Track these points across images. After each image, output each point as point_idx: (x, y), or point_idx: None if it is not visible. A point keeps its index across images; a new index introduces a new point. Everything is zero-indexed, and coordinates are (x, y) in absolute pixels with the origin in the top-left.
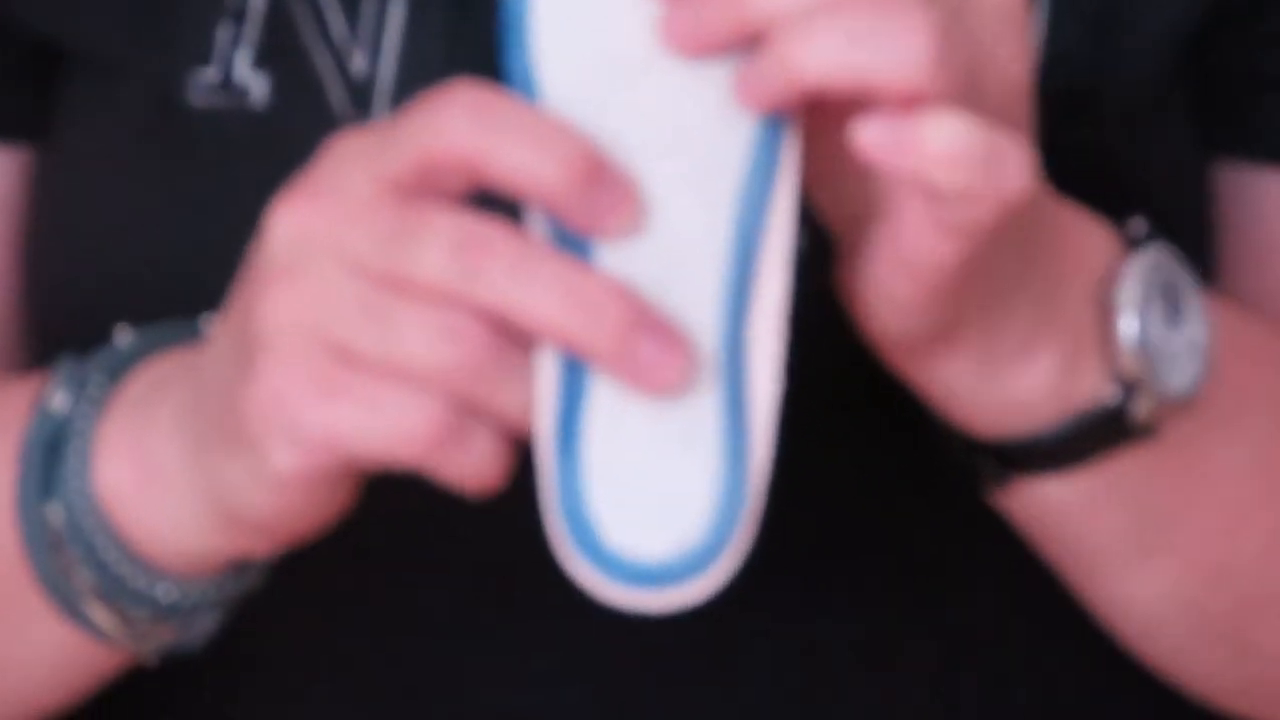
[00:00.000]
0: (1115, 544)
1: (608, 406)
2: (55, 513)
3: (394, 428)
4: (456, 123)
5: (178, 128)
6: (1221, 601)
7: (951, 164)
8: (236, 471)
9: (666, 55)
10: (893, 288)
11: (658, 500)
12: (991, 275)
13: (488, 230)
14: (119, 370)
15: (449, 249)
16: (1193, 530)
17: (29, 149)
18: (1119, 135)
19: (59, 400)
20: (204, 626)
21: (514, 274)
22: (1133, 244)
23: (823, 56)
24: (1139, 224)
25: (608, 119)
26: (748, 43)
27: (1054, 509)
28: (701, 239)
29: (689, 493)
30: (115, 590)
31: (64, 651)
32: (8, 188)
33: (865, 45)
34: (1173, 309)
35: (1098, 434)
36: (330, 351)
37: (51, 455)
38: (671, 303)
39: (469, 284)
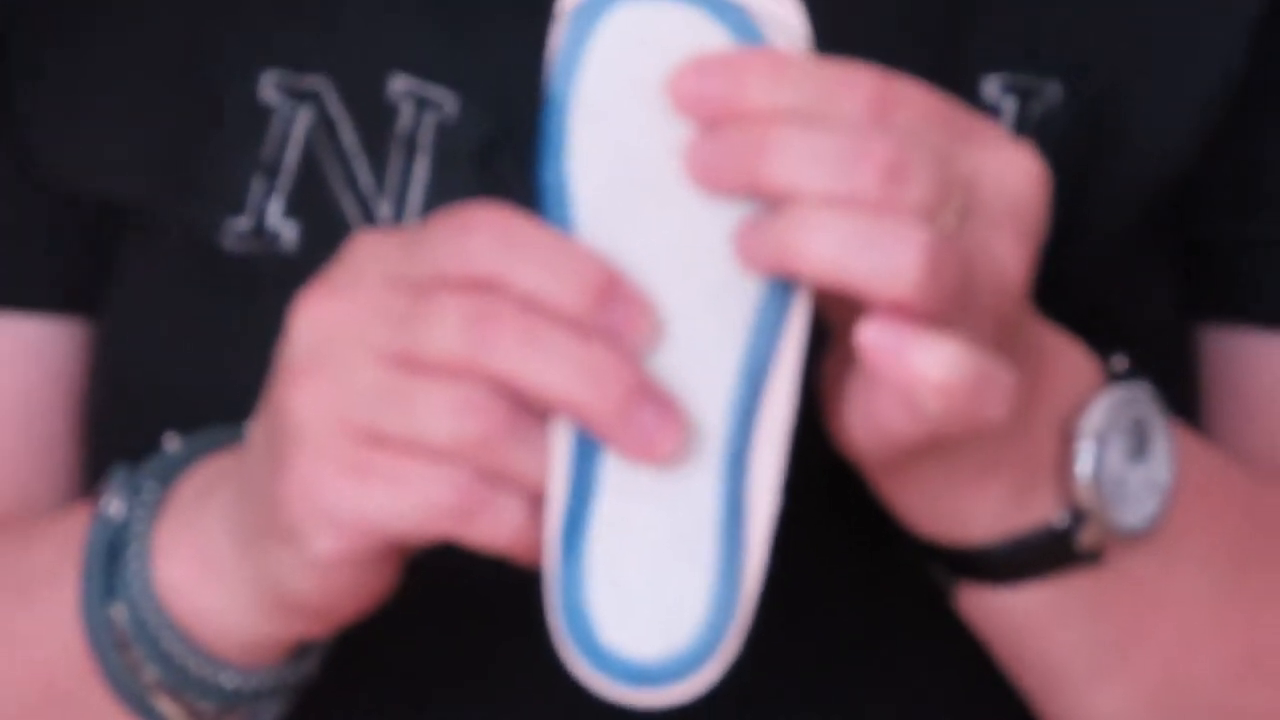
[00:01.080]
0: (1069, 662)
1: (612, 511)
2: (120, 613)
3: (422, 503)
4: (479, 245)
5: (213, 270)
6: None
7: (939, 393)
8: (282, 559)
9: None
10: (863, 426)
11: (653, 605)
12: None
13: (496, 305)
14: (170, 475)
15: (459, 325)
16: (1148, 655)
17: (87, 320)
18: (1097, 278)
19: (115, 507)
20: (270, 714)
21: (522, 344)
22: (1112, 378)
23: (819, 254)
24: (1121, 360)
25: (637, 234)
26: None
27: (1007, 621)
28: (715, 355)
29: (683, 600)
30: (181, 682)
31: None
32: (67, 360)
33: (860, 253)
34: (1138, 446)
35: (1043, 555)
36: (356, 436)
37: (112, 560)
38: (684, 405)
39: (480, 356)
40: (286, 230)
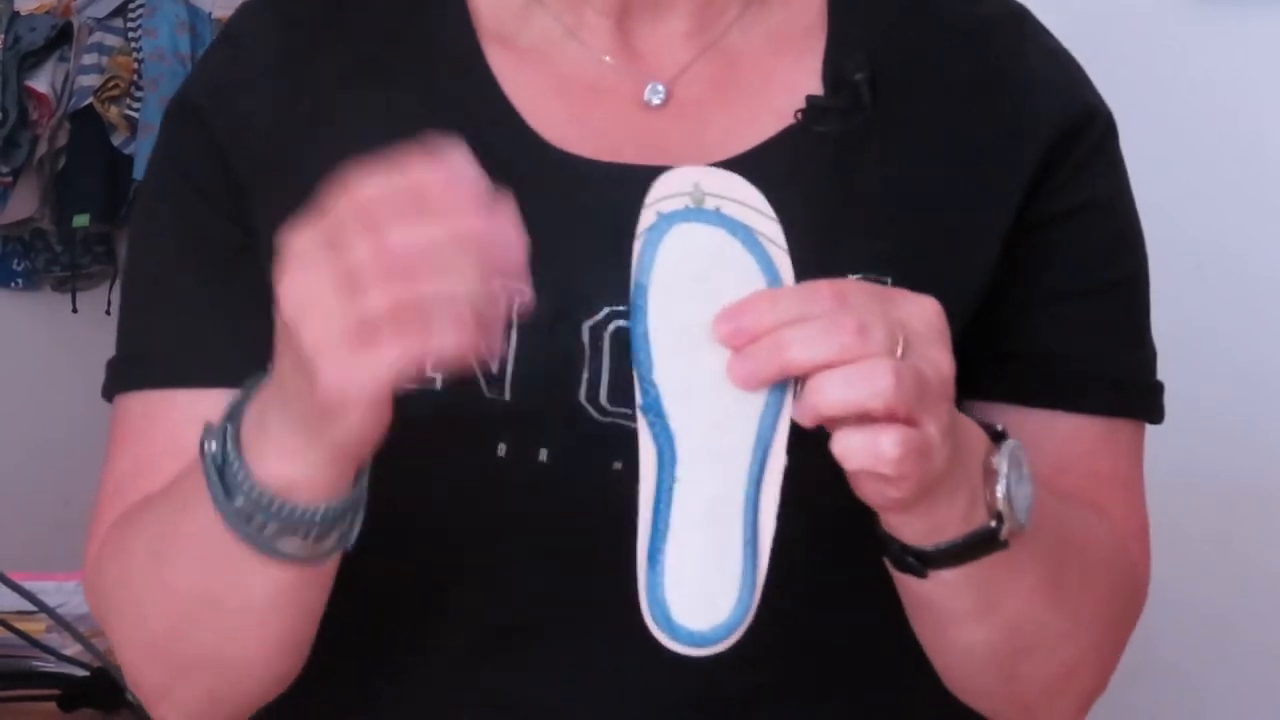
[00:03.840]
0: (963, 608)
1: (677, 541)
2: (239, 501)
3: (406, 348)
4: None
5: None
6: (1008, 648)
7: (893, 464)
8: (326, 425)
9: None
10: (864, 495)
11: (703, 597)
12: (940, 465)
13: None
14: (234, 417)
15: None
16: (1009, 601)
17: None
18: None
19: (212, 446)
20: (354, 528)
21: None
22: (997, 436)
23: (836, 398)
24: (996, 426)
25: (691, 366)
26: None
27: (933, 584)
28: (740, 440)
29: (721, 593)
30: (291, 526)
31: (275, 588)
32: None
33: (859, 387)
34: (1019, 472)
35: (978, 546)
36: (345, 326)
37: (223, 476)
38: (722, 473)
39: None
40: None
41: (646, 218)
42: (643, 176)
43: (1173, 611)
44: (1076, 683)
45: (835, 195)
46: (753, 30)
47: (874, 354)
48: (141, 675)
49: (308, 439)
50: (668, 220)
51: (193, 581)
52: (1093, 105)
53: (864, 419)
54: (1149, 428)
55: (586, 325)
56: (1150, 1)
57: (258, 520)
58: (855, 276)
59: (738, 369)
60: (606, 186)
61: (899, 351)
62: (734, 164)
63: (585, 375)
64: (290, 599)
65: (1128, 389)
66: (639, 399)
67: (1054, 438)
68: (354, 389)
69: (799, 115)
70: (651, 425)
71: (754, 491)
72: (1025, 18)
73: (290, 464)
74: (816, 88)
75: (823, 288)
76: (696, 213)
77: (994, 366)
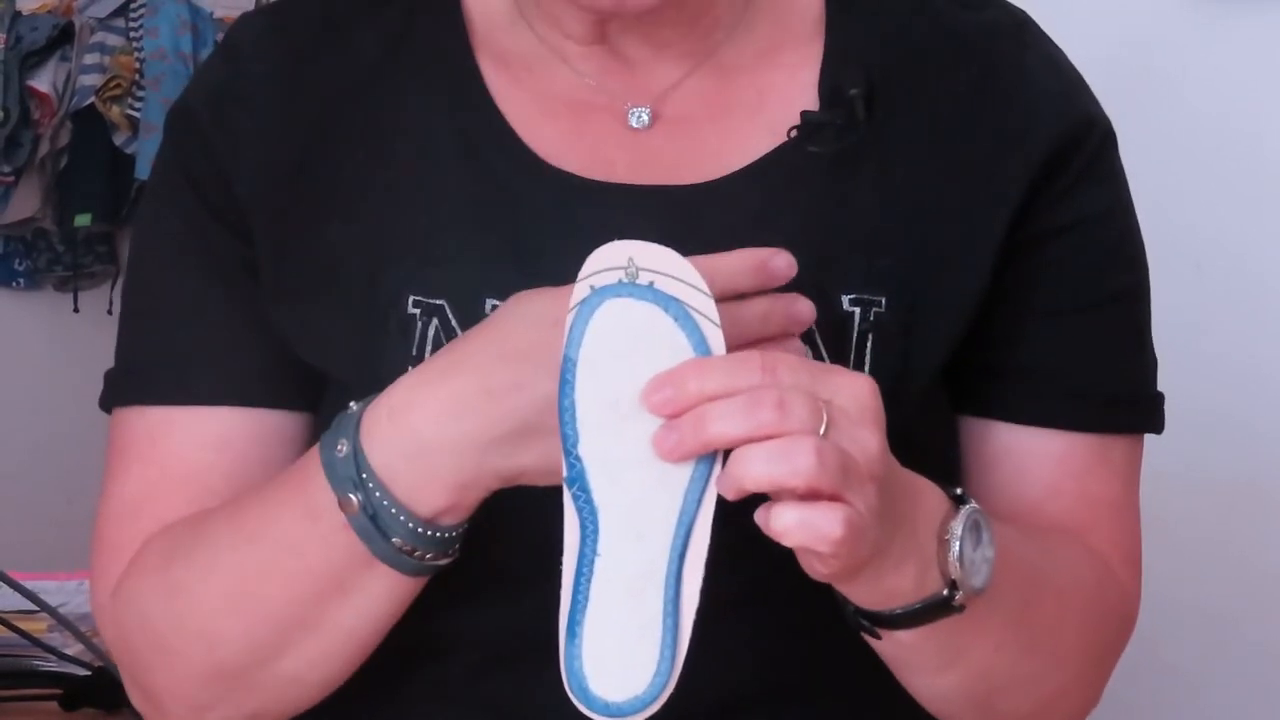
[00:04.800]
0: (926, 661)
1: (597, 614)
2: (396, 540)
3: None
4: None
5: None
6: (980, 690)
7: (829, 545)
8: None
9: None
10: (806, 568)
11: (620, 670)
12: (876, 540)
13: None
14: (363, 463)
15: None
16: (972, 655)
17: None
18: (919, 417)
19: (342, 446)
20: (453, 554)
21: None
22: (956, 499)
23: (756, 472)
24: (955, 489)
25: (616, 441)
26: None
27: (898, 645)
28: (663, 514)
29: (640, 666)
30: (444, 545)
31: (386, 597)
32: (277, 448)
33: (778, 464)
34: (977, 538)
35: (932, 611)
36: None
37: (375, 523)
38: (643, 549)
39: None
40: None
41: (579, 291)
42: (635, 195)
43: (1173, 611)
44: (1060, 708)
45: (829, 213)
46: (745, 44)
47: (793, 431)
48: (180, 698)
49: (478, 469)
50: (600, 295)
51: (291, 614)
52: (1091, 115)
53: (801, 495)
54: (1170, 431)
55: None
56: (1149, 2)
57: (419, 552)
58: (848, 296)
59: (662, 441)
60: (599, 205)
61: (822, 429)
62: (726, 183)
63: None
64: (399, 609)
65: (1123, 404)
66: (565, 472)
67: (1047, 456)
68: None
69: (792, 133)
70: (576, 499)
71: (677, 566)
72: (1026, 25)
73: (456, 495)
74: (812, 101)
75: (753, 359)
76: (629, 288)
77: (989, 383)
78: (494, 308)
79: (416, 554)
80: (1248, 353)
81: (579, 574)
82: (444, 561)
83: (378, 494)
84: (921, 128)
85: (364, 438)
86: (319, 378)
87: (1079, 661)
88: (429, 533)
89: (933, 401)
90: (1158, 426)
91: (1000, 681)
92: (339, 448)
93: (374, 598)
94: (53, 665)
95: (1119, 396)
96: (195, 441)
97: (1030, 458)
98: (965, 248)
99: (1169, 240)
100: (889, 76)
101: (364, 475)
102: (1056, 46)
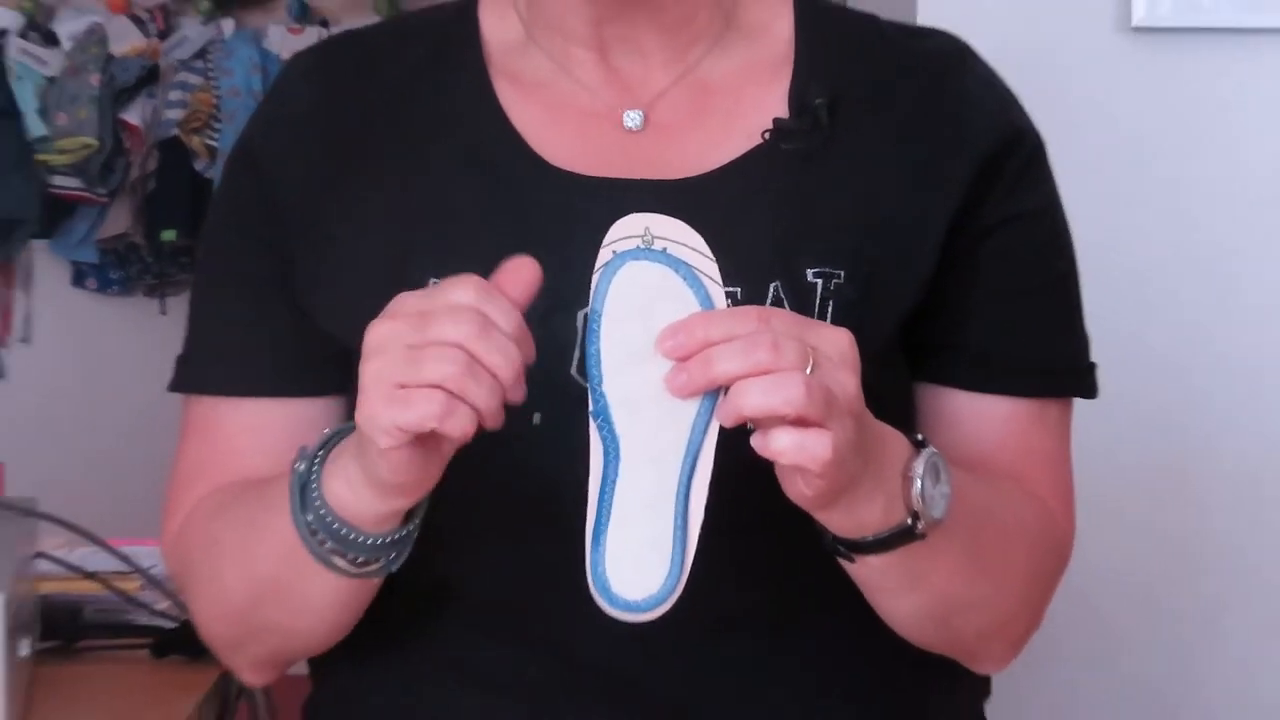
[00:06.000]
0: (890, 584)
1: (619, 524)
2: (309, 516)
3: (426, 414)
4: (464, 294)
5: None
6: (940, 610)
7: (818, 465)
8: (375, 463)
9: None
10: (790, 493)
11: (640, 572)
12: (852, 471)
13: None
14: (325, 446)
15: (454, 329)
16: (931, 580)
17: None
18: (876, 375)
19: (301, 465)
20: (398, 560)
21: (477, 339)
22: (917, 444)
23: (754, 402)
24: (916, 435)
25: (636, 379)
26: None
27: (869, 569)
28: (677, 439)
29: (653, 571)
30: (344, 546)
31: (331, 589)
32: (306, 429)
33: (773, 394)
34: (936, 476)
35: (898, 539)
36: (391, 385)
37: (303, 492)
38: (657, 472)
39: (470, 343)
40: None
41: (603, 255)
42: (629, 187)
43: (1110, 579)
44: (1008, 630)
45: (798, 203)
46: (724, 62)
47: (786, 368)
48: (215, 632)
49: (360, 472)
50: (621, 258)
51: (270, 569)
52: (1021, 127)
53: (785, 422)
54: (1105, 418)
55: (580, 313)
56: (1084, 34)
57: (320, 535)
58: (812, 270)
59: (673, 380)
60: (598, 196)
61: (809, 369)
62: (709, 177)
63: (576, 354)
64: (341, 599)
65: (1058, 374)
66: (591, 406)
67: (994, 417)
68: (374, 427)
69: (766, 135)
70: (600, 429)
71: (685, 487)
72: (966, 52)
73: (349, 492)
74: (783, 110)
75: (750, 312)
76: (646, 252)
77: (943, 355)
78: None
79: (322, 542)
80: (1179, 355)
81: (603, 493)
82: (350, 571)
83: (316, 467)
84: (877, 134)
85: (346, 424)
86: (348, 365)
87: (1025, 586)
88: (332, 523)
89: (892, 362)
90: (1090, 392)
91: (957, 603)
92: (336, 428)
93: (317, 579)
94: (144, 619)
95: (1055, 367)
96: (234, 426)
97: (979, 418)
98: (914, 234)
99: (1102, 262)
100: (850, 91)
101: (320, 451)
102: (992, 70)
